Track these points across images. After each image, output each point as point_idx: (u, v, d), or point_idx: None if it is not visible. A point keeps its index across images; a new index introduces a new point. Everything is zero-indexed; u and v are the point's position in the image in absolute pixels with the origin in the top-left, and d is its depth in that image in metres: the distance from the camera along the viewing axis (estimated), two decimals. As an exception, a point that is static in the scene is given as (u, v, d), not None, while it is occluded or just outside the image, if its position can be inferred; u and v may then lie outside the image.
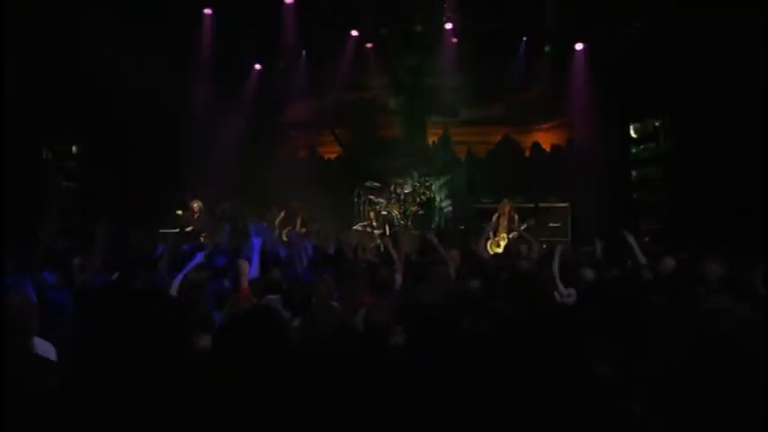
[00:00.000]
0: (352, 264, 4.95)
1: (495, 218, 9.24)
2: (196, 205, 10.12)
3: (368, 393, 2.15)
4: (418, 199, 11.56)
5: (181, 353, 2.47)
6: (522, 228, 8.88)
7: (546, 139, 12.24)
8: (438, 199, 11.90)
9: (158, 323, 2.50)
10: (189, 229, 9.86)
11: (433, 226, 10.85)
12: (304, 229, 10.38)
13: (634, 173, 10.34)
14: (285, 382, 2.03)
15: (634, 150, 10.31)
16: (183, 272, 4.19)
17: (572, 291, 4.26)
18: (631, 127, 10.31)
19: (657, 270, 4.66)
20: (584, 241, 7.98)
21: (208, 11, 10.65)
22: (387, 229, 10.15)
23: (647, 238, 9.23)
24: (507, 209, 9.17)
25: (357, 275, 4.43)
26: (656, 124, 9.78)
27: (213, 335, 2.20)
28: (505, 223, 9.13)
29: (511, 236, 8.87)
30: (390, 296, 3.95)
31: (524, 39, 11.34)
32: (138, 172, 10.10)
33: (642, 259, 4.83)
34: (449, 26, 11.46)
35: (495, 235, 9.20)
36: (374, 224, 10.52)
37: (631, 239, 4.95)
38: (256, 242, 4.74)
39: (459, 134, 12.62)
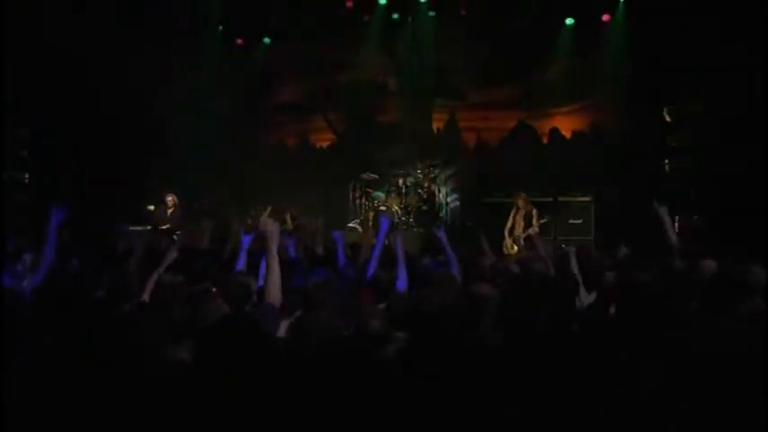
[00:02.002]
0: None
1: (512, 214, 9.20)
2: (170, 198, 10.08)
3: (360, 411, 2.15)
4: (421, 192, 11.52)
5: (149, 368, 2.46)
6: (539, 223, 8.82)
7: (566, 124, 12.20)
8: (443, 192, 11.86)
9: (124, 336, 2.47)
10: (165, 227, 9.81)
11: (438, 223, 10.83)
12: (295, 223, 10.36)
13: (668, 163, 10.30)
14: (269, 399, 2.06)
15: (668, 138, 10.27)
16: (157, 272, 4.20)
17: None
18: (665, 110, 10.26)
19: (695, 274, 4.62)
20: (609, 240, 7.95)
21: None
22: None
23: (682, 238, 9.18)
24: (522, 202, 9.12)
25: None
26: (695, 108, 9.74)
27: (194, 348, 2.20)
28: (522, 221, 9.06)
29: (525, 234, 8.82)
30: (388, 302, 3.93)
31: (543, 9, 11.28)
32: (102, 160, 10.04)
33: (674, 239, 4.82)
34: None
35: (511, 234, 9.16)
36: (371, 223, 10.50)
37: (663, 212, 4.94)
38: (245, 240, 4.75)
39: (467, 119, 12.57)
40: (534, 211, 9.13)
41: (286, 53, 12.25)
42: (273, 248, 3.62)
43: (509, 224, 9.19)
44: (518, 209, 9.19)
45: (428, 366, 2.37)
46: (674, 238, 4.87)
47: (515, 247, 8.92)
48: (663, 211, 5.00)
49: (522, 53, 11.50)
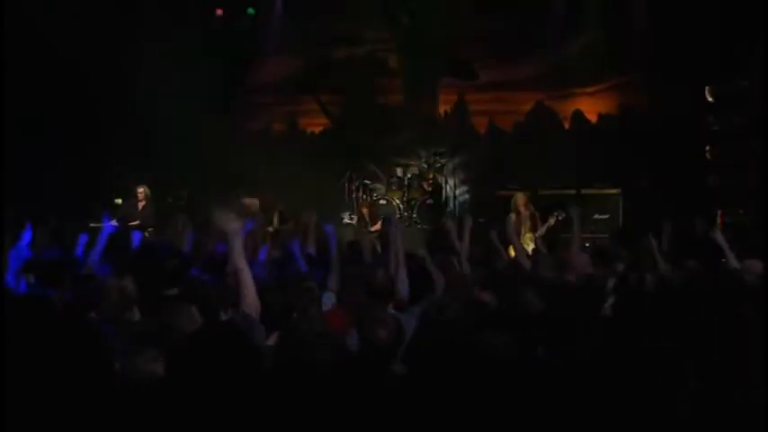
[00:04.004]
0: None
1: (512, 218, 8.76)
2: (141, 191, 10.08)
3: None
4: (426, 184, 11.53)
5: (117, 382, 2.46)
6: (551, 221, 8.65)
7: (591, 106, 12.21)
8: (451, 184, 11.84)
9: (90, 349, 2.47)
10: (135, 223, 9.81)
11: (448, 215, 10.82)
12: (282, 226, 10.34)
13: (709, 150, 10.28)
14: (256, 418, 2.06)
15: (711, 120, 10.25)
16: None
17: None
18: (707, 89, 10.24)
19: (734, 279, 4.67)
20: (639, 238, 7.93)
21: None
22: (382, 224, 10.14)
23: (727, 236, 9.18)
24: (521, 203, 8.85)
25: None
26: (742, 85, 9.71)
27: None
28: (526, 227, 8.83)
29: (537, 235, 8.67)
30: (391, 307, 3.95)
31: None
32: (60, 147, 10.00)
33: (734, 262, 4.88)
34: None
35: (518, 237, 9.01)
36: (367, 219, 10.51)
37: (720, 238, 5.02)
38: (221, 249, 4.76)
39: (478, 101, 12.61)
40: (537, 214, 8.80)
41: (272, 26, 12.22)
42: (238, 246, 3.60)
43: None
44: (516, 211, 8.78)
45: (438, 384, 2.36)
46: (736, 263, 4.94)
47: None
48: (719, 237, 5.08)
49: (540, 24, 11.49)
